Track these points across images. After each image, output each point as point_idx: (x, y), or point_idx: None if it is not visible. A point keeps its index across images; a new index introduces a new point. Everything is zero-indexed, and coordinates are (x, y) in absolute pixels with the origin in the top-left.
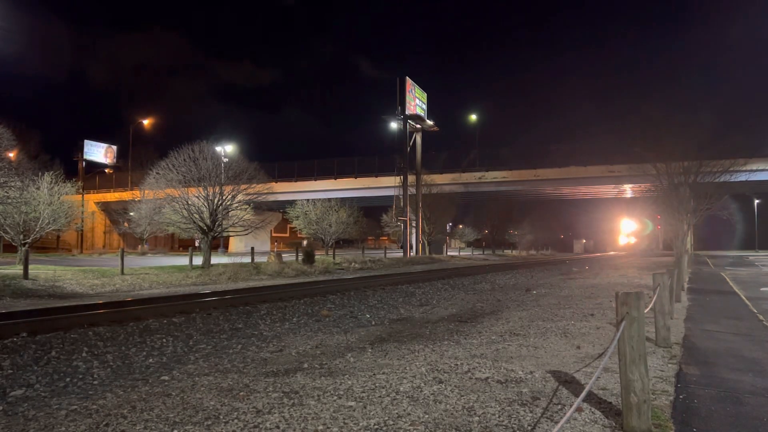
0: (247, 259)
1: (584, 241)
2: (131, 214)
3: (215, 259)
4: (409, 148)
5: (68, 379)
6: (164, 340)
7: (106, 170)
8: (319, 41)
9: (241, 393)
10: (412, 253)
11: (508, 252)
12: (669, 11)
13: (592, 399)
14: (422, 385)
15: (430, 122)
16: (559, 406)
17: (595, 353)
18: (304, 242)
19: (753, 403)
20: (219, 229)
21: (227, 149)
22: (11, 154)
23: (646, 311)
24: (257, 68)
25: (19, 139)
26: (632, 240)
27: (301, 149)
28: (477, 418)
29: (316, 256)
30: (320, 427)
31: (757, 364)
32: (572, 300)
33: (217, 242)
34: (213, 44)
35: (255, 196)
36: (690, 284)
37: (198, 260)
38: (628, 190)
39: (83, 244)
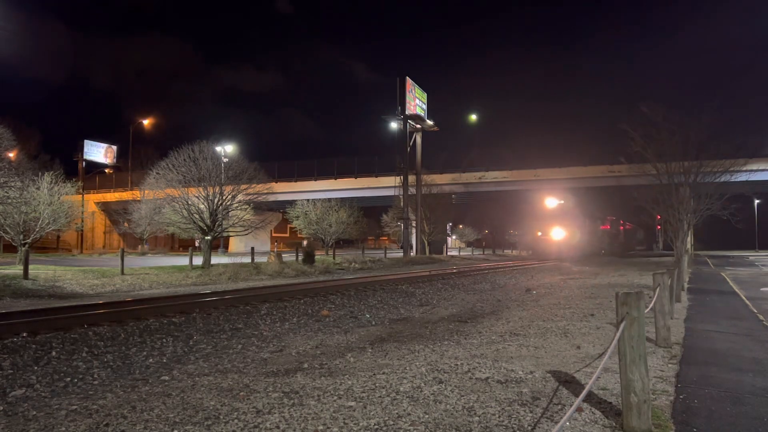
0: (247, 259)
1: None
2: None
3: (215, 259)
4: (409, 148)
5: (68, 379)
6: (164, 340)
7: (106, 170)
8: (319, 43)
9: (241, 393)
10: (412, 253)
11: (508, 252)
12: (669, 11)
13: (592, 399)
14: (422, 385)
15: (430, 122)
16: (560, 406)
17: (596, 353)
18: (304, 242)
19: (753, 403)
20: (219, 229)
21: (227, 149)
22: (11, 154)
23: (646, 311)
24: (258, 71)
25: (19, 139)
26: (559, 233)
27: (301, 149)
28: (477, 418)
29: (316, 256)
30: (320, 427)
31: (757, 364)
32: (572, 300)
33: (217, 242)
34: (214, 49)
35: (255, 196)
36: (690, 284)
37: (198, 260)
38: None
39: (83, 244)
